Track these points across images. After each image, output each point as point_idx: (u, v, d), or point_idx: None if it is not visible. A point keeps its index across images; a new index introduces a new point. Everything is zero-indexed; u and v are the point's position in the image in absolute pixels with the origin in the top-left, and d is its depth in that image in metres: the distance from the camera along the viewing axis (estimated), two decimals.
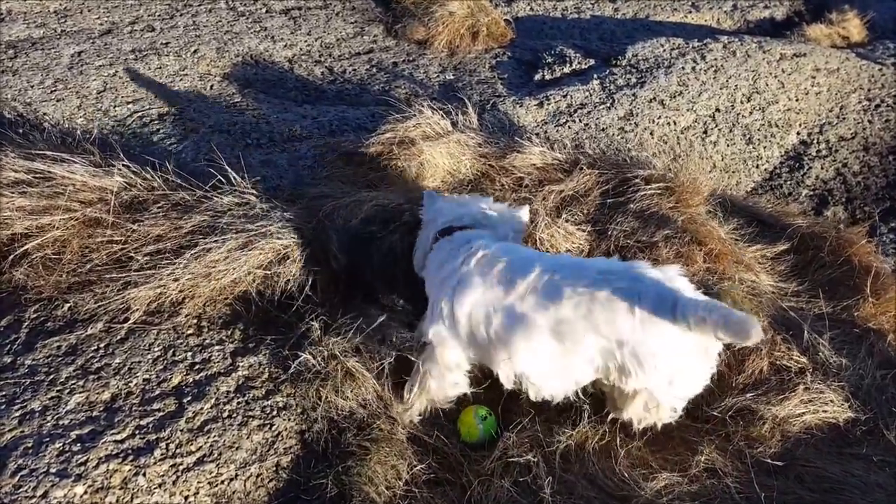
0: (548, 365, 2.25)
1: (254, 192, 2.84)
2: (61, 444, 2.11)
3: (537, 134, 3.77)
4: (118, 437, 2.17)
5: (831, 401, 2.57)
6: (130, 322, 2.50)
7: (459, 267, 2.34)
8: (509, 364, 2.27)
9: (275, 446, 2.31)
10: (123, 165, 2.81)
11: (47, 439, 2.12)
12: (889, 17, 6.36)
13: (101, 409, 2.25)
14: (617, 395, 2.36)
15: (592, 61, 4.58)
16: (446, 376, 2.43)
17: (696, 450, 2.44)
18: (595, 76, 4.34)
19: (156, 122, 3.51)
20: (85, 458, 2.08)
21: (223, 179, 2.85)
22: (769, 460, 2.38)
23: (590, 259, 2.59)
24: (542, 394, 2.33)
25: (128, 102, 3.64)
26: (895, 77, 4.89)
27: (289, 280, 2.71)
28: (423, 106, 3.38)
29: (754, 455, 2.41)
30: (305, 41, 4.79)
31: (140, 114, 3.55)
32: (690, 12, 6.01)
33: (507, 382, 2.33)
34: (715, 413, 2.57)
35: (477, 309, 2.28)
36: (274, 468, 2.27)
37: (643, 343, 2.13)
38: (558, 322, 2.18)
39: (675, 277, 2.23)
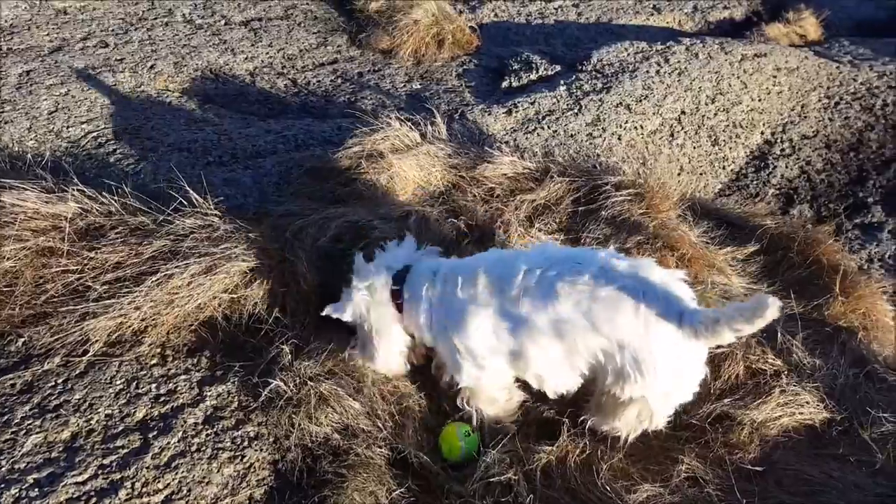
0: (557, 363, 2.24)
1: (217, 212, 2.75)
2: (17, 490, 2.00)
3: (507, 142, 3.74)
4: (79, 479, 2.07)
5: (807, 402, 2.58)
6: (90, 355, 2.40)
7: (442, 299, 2.30)
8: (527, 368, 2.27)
9: (247, 479, 2.22)
10: (78, 190, 2.70)
11: (2, 486, 2.01)
12: (843, 15, 6.48)
13: (61, 449, 2.15)
14: (608, 402, 2.30)
15: (558, 67, 4.57)
16: (499, 400, 2.45)
17: (676, 459, 2.42)
18: (562, 82, 4.33)
19: (112, 142, 3.39)
20: (44, 503, 1.98)
21: (184, 201, 2.75)
22: (749, 465, 2.38)
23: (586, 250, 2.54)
24: (558, 391, 2.33)
25: (81, 122, 3.51)
26: (852, 75, 4.97)
27: (256, 303, 2.63)
28: (391, 118, 3.32)
29: (734, 461, 2.41)
30: (267, 53, 4.70)
31: (95, 134, 3.42)
32: (652, 14, 6.04)
33: (535, 384, 2.34)
34: (693, 421, 2.56)
35: (484, 333, 2.25)
36: (247, 502, 2.18)
37: (646, 348, 2.10)
38: (557, 322, 2.14)
39: (678, 283, 2.20)
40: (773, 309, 1.91)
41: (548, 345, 2.19)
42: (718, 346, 2.48)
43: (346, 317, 2.44)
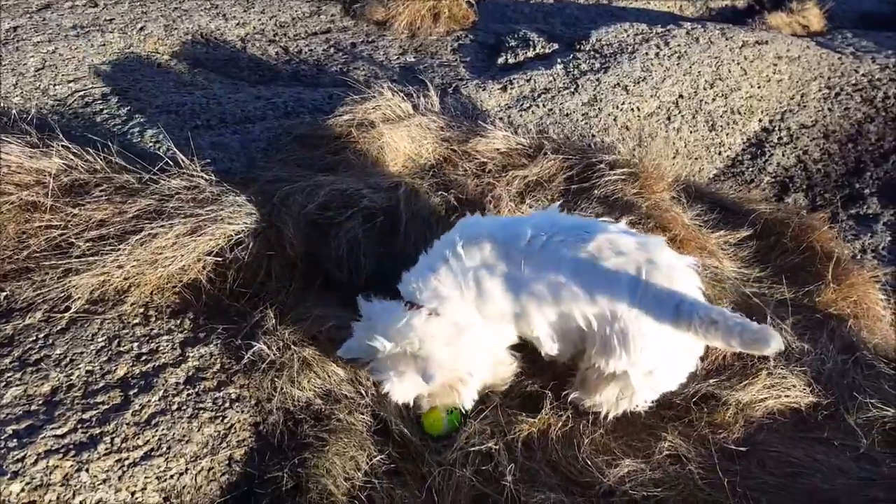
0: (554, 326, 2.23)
1: (203, 175, 2.71)
2: None
3: (501, 119, 3.70)
4: (59, 432, 2.04)
5: (794, 386, 2.57)
6: (72, 311, 2.37)
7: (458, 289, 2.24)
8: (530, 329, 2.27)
9: (227, 439, 2.21)
10: (63, 146, 2.66)
11: None
12: (847, 7, 6.46)
13: (41, 402, 2.12)
14: (592, 377, 2.30)
15: (556, 46, 4.52)
16: (504, 363, 2.45)
17: (659, 436, 2.41)
18: (559, 61, 4.29)
19: (99, 101, 3.33)
20: (22, 454, 1.95)
21: (171, 162, 2.71)
22: (732, 446, 2.37)
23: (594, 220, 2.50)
24: (553, 354, 2.32)
25: (69, 81, 3.45)
26: (854, 66, 4.94)
27: (241, 267, 2.60)
28: (382, 87, 3.28)
29: (717, 441, 2.40)
30: (259, 19, 4.63)
31: (82, 93, 3.37)
32: None
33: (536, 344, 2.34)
34: (678, 400, 2.55)
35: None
36: (226, 461, 2.17)
37: (635, 323, 2.09)
38: (556, 286, 2.14)
39: (686, 269, 2.20)
40: (774, 345, 1.96)
41: (547, 307, 2.18)
42: None
43: None
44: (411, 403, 2.31)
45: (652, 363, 2.17)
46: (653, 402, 2.39)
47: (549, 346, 2.29)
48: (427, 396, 2.29)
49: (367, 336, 2.19)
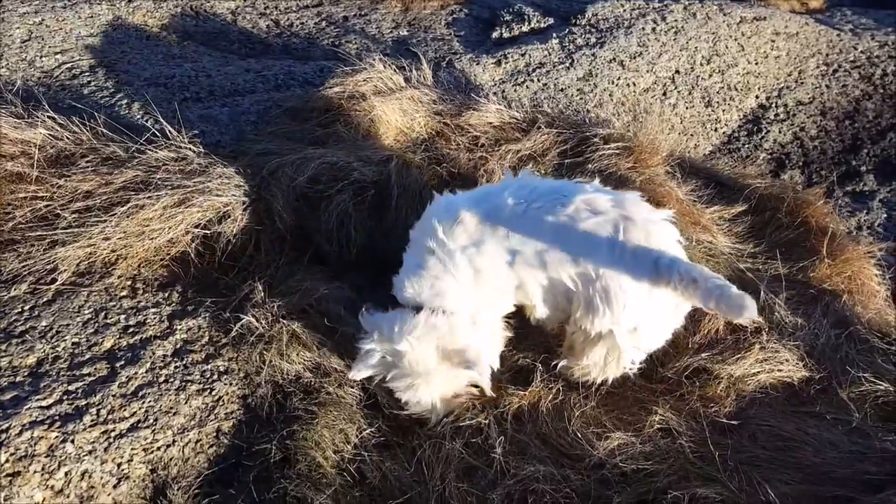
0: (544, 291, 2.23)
1: (191, 146, 2.67)
2: None
3: (495, 93, 3.65)
4: (44, 403, 2.02)
5: (786, 360, 2.56)
6: (58, 283, 2.34)
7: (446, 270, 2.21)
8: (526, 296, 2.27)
9: (215, 411, 2.19)
10: (49, 117, 2.62)
11: None
12: None
13: (26, 374, 2.10)
14: (579, 340, 2.30)
15: (551, 20, 4.47)
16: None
17: (650, 410, 2.40)
18: (554, 35, 4.23)
19: (86, 73, 3.28)
20: (7, 424, 1.93)
21: (158, 134, 2.67)
22: (724, 419, 2.36)
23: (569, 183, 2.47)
24: (543, 319, 2.33)
25: (55, 53, 3.40)
26: (853, 43, 4.89)
27: (230, 240, 2.57)
28: (374, 60, 3.23)
29: (709, 414, 2.39)
30: None
31: (69, 65, 3.32)
32: None
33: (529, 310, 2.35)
34: (669, 374, 2.54)
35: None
36: (214, 434, 2.16)
37: (616, 280, 2.09)
38: (540, 252, 2.14)
39: (664, 222, 2.20)
40: (748, 313, 1.95)
41: (537, 274, 2.19)
42: None
43: None
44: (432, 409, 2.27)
45: (635, 320, 2.16)
46: (640, 365, 2.38)
47: (542, 312, 2.30)
48: (448, 398, 2.27)
49: (382, 347, 2.16)
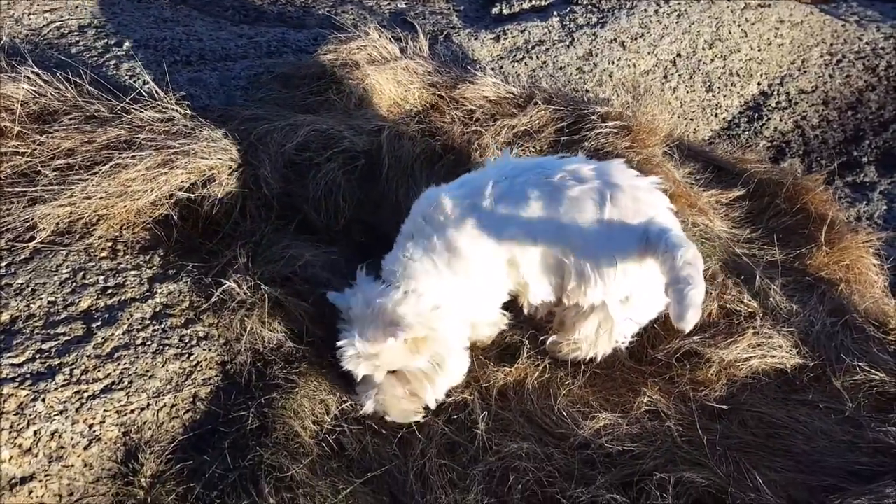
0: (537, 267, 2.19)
1: (177, 108, 2.60)
2: None
3: (493, 69, 3.59)
4: (15, 361, 1.96)
5: (780, 346, 2.52)
6: (36, 241, 2.27)
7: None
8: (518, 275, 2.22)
9: (192, 377, 2.14)
10: (33, 73, 2.55)
11: None
12: None
13: None
14: (570, 315, 2.26)
15: None
16: (497, 323, 2.44)
17: (638, 391, 2.36)
18: (555, 13, 4.16)
19: (75, 33, 3.20)
20: None
21: (145, 94, 2.61)
22: (713, 404, 2.32)
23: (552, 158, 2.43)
24: (537, 304, 2.29)
25: (44, 11, 3.31)
26: (858, 34, 4.83)
27: (214, 204, 2.51)
28: (369, 28, 3.15)
29: (698, 398, 2.35)
30: None
31: (58, 24, 3.23)
32: None
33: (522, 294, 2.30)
34: (659, 356, 2.50)
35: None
36: (191, 399, 2.10)
37: (606, 247, 2.06)
38: (528, 223, 2.10)
39: (652, 187, 2.17)
40: (684, 325, 1.94)
41: (528, 248, 2.15)
42: None
43: None
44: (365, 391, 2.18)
45: (628, 288, 2.13)
46: (632, 339, 2.35)
47: (537, 291, 2.23)
48: (383, 387, 2.17)
49: (351, 293, 2.17)
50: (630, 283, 2.11)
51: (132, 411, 2.00)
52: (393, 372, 2.14)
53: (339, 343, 2.12)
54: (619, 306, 2.17)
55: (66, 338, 2.08)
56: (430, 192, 2.27)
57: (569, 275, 2.13)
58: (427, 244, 2.14)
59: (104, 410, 1.97)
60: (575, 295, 2.16)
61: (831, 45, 4.69)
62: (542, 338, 2.36)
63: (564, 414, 2.24)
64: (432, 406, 2.20)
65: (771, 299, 2.69)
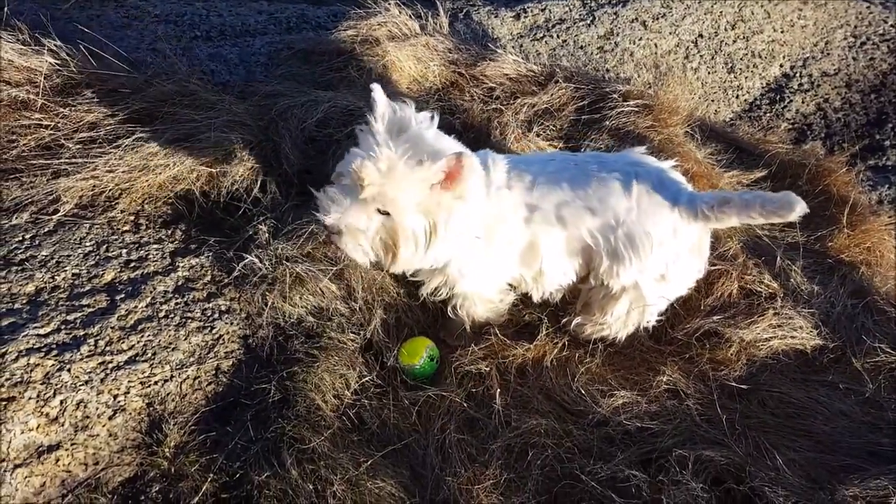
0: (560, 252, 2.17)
1: (198, 82, 2.60)
2: None
3: (513, 47, 3.55)
4: (41, 332, 1.99)
5: (800, 327, 2.50)
6: (60, 214, 2.30)
7: None
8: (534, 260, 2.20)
9: (215, 349, 2.16)
10: (56, 45, 2.55)
11: None
12: None
13: (24, 301, 2.06)
14: (598, 297, 2.25)
15: None
16: (495, 301, 2.37)
17: (657, 370, 2.36)
18: None
19: (95, 7, 3.21)
20: (3, 350, 1.90)
21: (166, 69, 2.60)
22: (733, 383, 2.31)
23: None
24: (553, 286, 2.28)
25: None
26: (883, 16, 4.73)
27: (235, 181, 2.51)
28: (389, 4, 3.13)
29: (718, 378, 2.34)
30: None
31: None
32: None
33: (533, 281, 2.29)
34: (679, 335, 2.49)
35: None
36: (213, 371, 2.12)
37: (639, 223, 2.04)
38: (559, 206, 2.08)
39: (670, 170, 2.18)
40: (799, 209, 1.93)
41: (555, 231, 2.13)
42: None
43: None
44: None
45: (663, 265, 2.12)
46: (659, 315, 2.33)
47: (553, 277, 2.22)
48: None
49: None
50: (665, 258, 2.10)
51: (156, 383, 2.03)
52: (385, 213, 1.87)
53: (353, 150, 1.88)
54: (654, 284, 2.16)
55: (91, 309, 2.10)
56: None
57: (598, 258, 2.13)
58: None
59: (128, 381, 1.99)
60: (607, 276, 2.14)
61: (855, 27, 4.60)
62: (564, 320, 2.35)
63: (583, 391, 2.24)
64: (393, 270, 2.00)
65: (792, 280, 2.67)
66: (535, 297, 2.34)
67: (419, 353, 2.30)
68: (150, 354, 2.06)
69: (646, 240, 2.05)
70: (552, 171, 2.14)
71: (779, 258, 2.70)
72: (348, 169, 1.83)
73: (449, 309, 2.36)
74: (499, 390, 2.15)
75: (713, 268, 2.57)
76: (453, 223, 1.91)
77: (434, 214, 1.88)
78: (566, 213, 2.08)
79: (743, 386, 2.31)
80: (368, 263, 1.97)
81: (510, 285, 2.36)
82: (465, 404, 2.17)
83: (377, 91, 1.88)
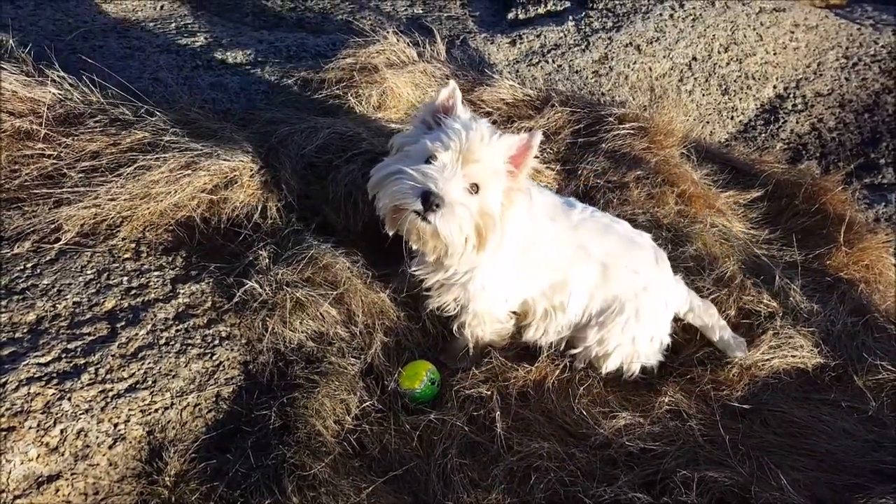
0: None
1: (199, 111, 2.63)
2: None
3: (509, 72, 3.60)
4: (42, 360, 1.98)
5: (801, 346, 2.51)
6: (62, 242, 2.30)
7: None
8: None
9: (215, 376, 2.15)
10: (59, 76, 2.58)
11: None
12: None
13: (25, 330, 2.06)
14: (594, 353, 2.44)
15: (568, 3, 4.39)
16: (502, 322, 2.43)
17: (658, 391, 2.36)
18: (570, 17, 4.17)
19: (98, 38, 3.25)
20: (3, 379, 1.89)
21: (168, 98, 2.64)
22: (735, 403, 2.31)
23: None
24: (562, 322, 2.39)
25: (68, 18, 3.36)
26: (873, 37, 4.81)
27: (236, 207, 2.52)
28: (387, 32, 3.18)
29: (720, 398, 2.35)
30: None
31: (81, 29, 3.27)
32: None
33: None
34: (680, 357, 2.50)
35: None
36: (213, 398, 2.11)
37: (661, 296, 2.37)
38: (608, 253, 2.31)
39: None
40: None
41: (592, 274, 2.32)
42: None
43: None
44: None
45: (657, 332, 2.42)
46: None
47: (573, 312, 2.34)
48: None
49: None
50: (659, 328, 2.43)
51: (156, 410, 2.02)
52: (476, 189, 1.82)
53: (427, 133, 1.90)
54: (648, 343, 2.41)
55: (91, 337, 2.09)
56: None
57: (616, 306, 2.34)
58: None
59: (129, 409, 1.98)
60: (609, 322, 2.36)
61: (847, 48, 4.67)
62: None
63: (585, 413, 2.23)
64: (471, 259, 2.00)
65: (791, 299, 2.68)
66: (529, 334, 2.40)
67: (420, 376, 2.29)
68: (150, 382, 2.05)
69: (662, 312, 2.39)
70: (596, 219, 2.35)
71: (777, 277, 2.71)
72: (445, 141, 1.76)
73: (454, 328, 2.37)
74: (500, 413, 2.15)
75: (711, 295, 2.59)
76: (511, 216, 1.96)
77: (505, 202, 1.93)
78: (611, 262, 2.29)
79: (745, 406, 2.32)
80: (457, 245, 1.88)
81: (514, 313, 2.38)
82: (466, 428, 2.16)
83: (454, 85, 1.99)
